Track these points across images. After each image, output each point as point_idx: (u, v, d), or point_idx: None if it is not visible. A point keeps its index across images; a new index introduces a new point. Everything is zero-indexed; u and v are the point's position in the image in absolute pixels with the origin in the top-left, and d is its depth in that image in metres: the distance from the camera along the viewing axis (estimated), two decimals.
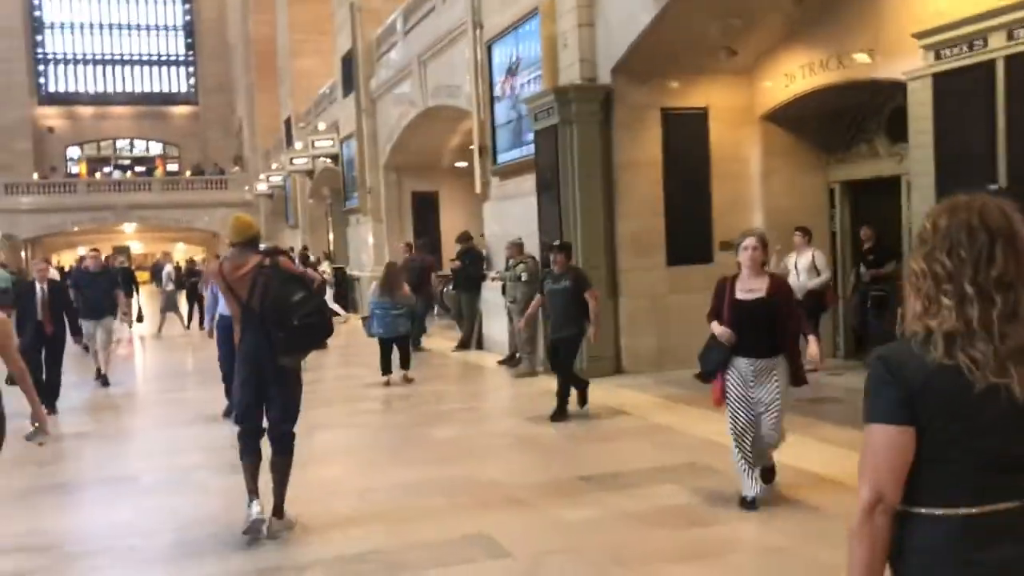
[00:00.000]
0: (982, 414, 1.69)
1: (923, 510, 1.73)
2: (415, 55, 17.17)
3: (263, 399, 5.29)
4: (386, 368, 10.78)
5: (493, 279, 11.84)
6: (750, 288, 5.38)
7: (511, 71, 12.10)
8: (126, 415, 10.22)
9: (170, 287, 19.46)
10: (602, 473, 6.29)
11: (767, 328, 5.29)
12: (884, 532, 1.74)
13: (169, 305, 19.18)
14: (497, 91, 12.64)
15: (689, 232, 10.38)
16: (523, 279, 10.58)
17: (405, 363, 10.97)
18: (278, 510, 5.35)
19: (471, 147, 19.20)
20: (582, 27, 10.32)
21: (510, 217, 12.35)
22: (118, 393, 11.37)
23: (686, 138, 10.45)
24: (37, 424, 4.73)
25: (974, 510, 1.69)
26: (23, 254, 39.61)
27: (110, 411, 10.23)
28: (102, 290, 11.64)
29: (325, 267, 21.92)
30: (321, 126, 25.56)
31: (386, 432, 8.32)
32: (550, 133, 10.29)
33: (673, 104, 10.45)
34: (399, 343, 10.87)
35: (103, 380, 11.72)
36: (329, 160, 25.19)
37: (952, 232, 1.75)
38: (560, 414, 8.07)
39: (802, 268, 9.76)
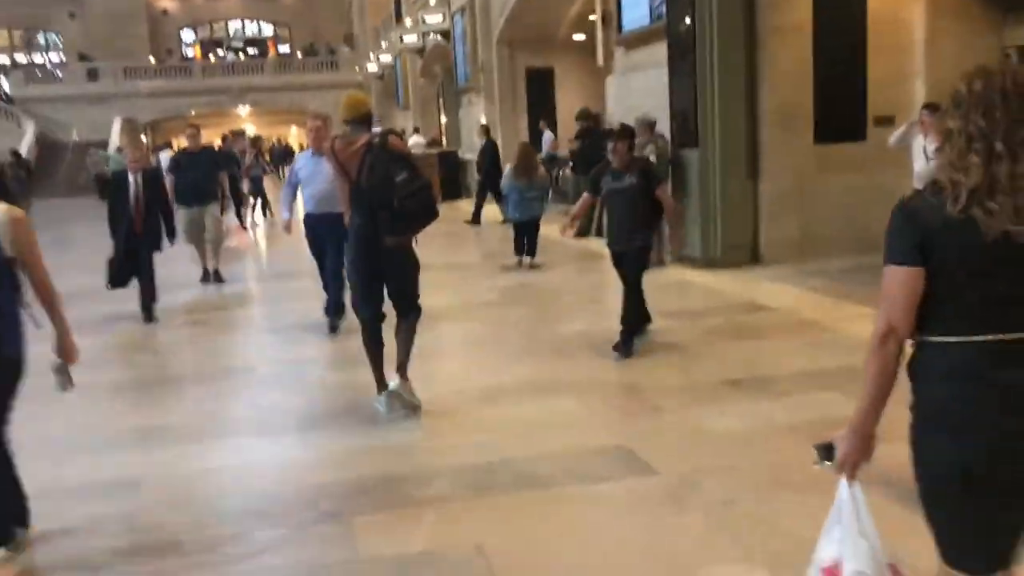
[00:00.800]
0: (991, 261, 1.90)
1: (941, 339, 1.98)
2: None
3: (379, 280, 5.27)
4: (520, 249, 10.79)
5: (651, 162, 11.00)
6: None
7: None
8: (239, 313, 9.53)
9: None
10: (750, 377, 5.63)
11: None
12: (894, 357, 2.02)
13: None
14: None
15: (841, 106, 9.29)
16: (652, 161, 9.74)
17: (532, 250, 10.81)
18: (402, 367, 5.35)
19: (592, 16, 18.19)
20: None
21: (637, 91, 11.40)
22: (233, 292, 10.36)
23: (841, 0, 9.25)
24: (61, 362, 3.66)
25: (989, 337, 1.92)
26: (144, 138, 40.47)
27: (220, 311, 9.42)
28: (203, 172, 10.30)
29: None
30: (431, 1, 24.60)
31: (508, 326, 7.80)
32: None
33: None
34: (533, 226, 10.81)
35: (215, 276, 10.65)
36: (440, 37, 24.36)
37: (988, 95, 1.90)
38: (626, 346, 6.34)
39: (933, 153, 8.21)
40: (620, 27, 11.87)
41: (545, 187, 11.43)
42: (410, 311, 5.38)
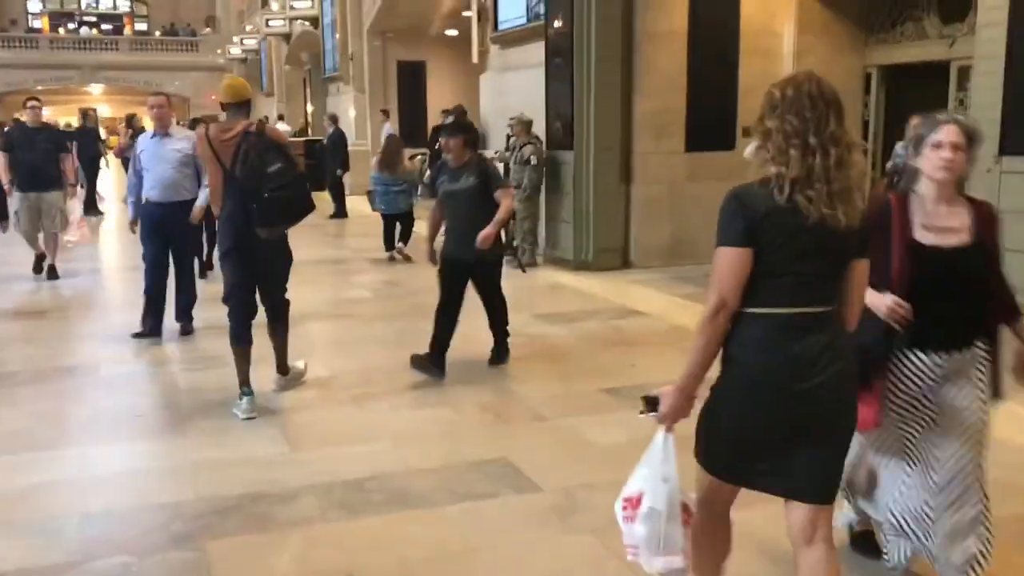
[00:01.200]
0: (808, 243, 2.22)
1: (757, 310, 2.29)
2: None
3: (251, 272, 5.13)
4: (389, 244, 10.84)
5: (491, 160, 10.83)
6: (944, 225, 2.81)
7: None
8: (79, 310, 8.46)
9: None
10: (629, 386, 5.52)
11: (974, 296, 2.85)
12: (721, 329, 2.31)
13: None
14: None
15: (712, 114, 9.41)
16: (531, 162, 9.61)
17: (405, 238, 10.90)
18: (282, 367, 5.53)
19: (466, 13, 17.96)
20: None
21: (512, 91, 11.27)
22: (71, 287, 9.24)
23: (716, 7, 9.36)
24: None
25: (793, 310, 2.26)
26: None
27: (58, 307, 8.44)
28: (42, 152, 9.02)
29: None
30: None
31: (379, 325, 7.50)
32: None
33: None
34: (401, 219, 10.88)
35: (49, 271, 9.43)
36: (308, 23, 23.64)
37: (799, 98, 2.22)
38: (499, 356, 6.10)
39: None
40: (496, 25, 11.71)
41: (412, 180, 11.29)
42: (281, 306, 5.38)
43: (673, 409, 2.42)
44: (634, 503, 2.54)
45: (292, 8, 23.50)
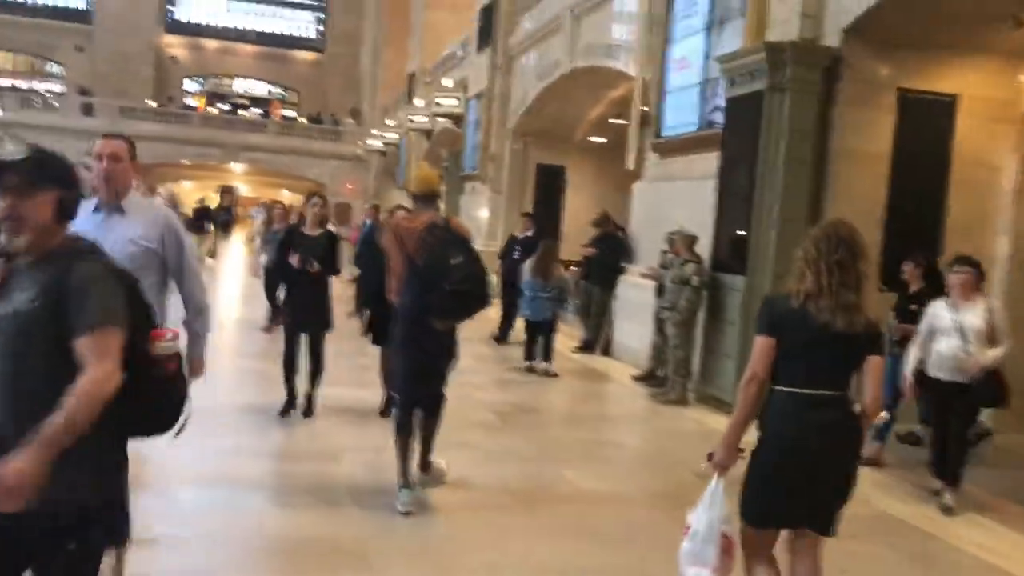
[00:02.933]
0: (816, 340, 3.13)
1: (781, 388, 3.20)
2: (567, 7, 15.09)
3: (423, 364, 5.13)
4: (529, 354, 10.05)
5: (644, 275, 9.70)
6: None
7: (695, 25, 9.90)
8: None
9: None
10: None
11: None
12: (754, 395, 3.22)
13: None
14: (675, 52, 10.43)
15: (912, 250, 8.02)
16: (692, 283, 8.41)
17: (547, 354, 9.95)
18: (425, 465, 5.42)
19: (612, 119, 17.20)
20: None
21: (670, 203, 10.19)
22: None
23: (926, 130, 8.09)
24: None
25: (808, 391, 3.16)
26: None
27: None
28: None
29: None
30: (447, 83, 23.75)
31: (508, 464, 6.27)
32: (750, 102, 8.07)
33: (915, 85, 8.10)
34: (545, 329, 10.02)
35: None
36: (451, 121, 23.43)
37: (820, 236, 3.24)
38: None
39: (969, 327, 5.68)
40: (659, 131, 10.74)
41: (564, 288, 10.46)
42: (439, 400, 5.31)
43: (722, 459, 3.23)
44: (686, 529, 3.29)
45: (437, 105, 23.36)
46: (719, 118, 9.09)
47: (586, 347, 11.39)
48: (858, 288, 3.14)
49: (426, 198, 5.20)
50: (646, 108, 11.22)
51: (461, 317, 5.12)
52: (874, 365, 3.20)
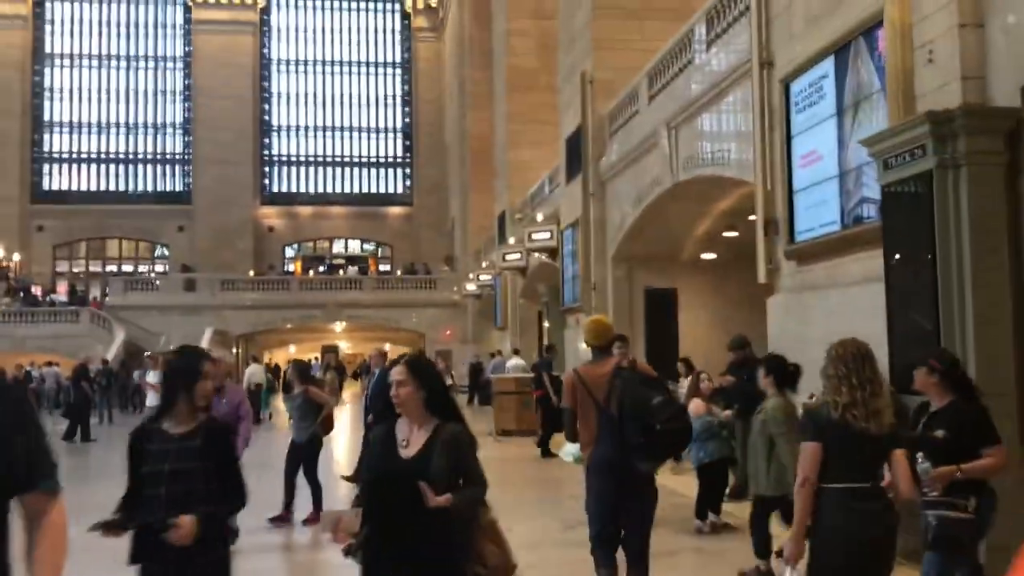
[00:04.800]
0: (854, 443, 3.81)
1: (830, 485, 3.82)
2: (663, 122, 14.11)
3: (619, 511, 5.16)
4: (703, 511, 8.74)
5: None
6: None
7: (821, 112, 8.65)
8: None
9: None
10: None
11: None
12: (809, 497, 3.84)
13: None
14: (799, 146, 9.17)
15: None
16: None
17: (718, 503, 8.86)
18: None
19: (724, 233, 15.92)
20: (965, 29, 6.76)
21: (817, 316, 8.71)
22: None
23: None
24: None
25: (852, 485, 3.81)
26: (235, 350, 39.45)
27: None
28: None
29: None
30: (539, 217, 23.02)
31: None
32: (914, 185, 6.69)
33: None
34: (718, 473, 8.87)
35: None
36: (545, 255, 22.57)
37: (843, 356, 3.91)
38: None
39: None
40: (791, 237, 9.38)
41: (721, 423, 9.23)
42: (645, 550, 5.20)
43: (792, 553, 3.91)
44: None
45: (530, 240, 22.56)
46: (869, 211, 7.71)
47: (739, 494, 9.76)
48: (882, 394, 3.90)
49: (601, 348, 5.32)
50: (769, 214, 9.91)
51: (670, 455, 5.44)
52: (899, 456, 3.95)
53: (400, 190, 54.10)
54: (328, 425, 9.52)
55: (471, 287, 35.14)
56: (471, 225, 38.52)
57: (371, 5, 54.47)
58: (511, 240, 26.71)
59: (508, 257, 26.17)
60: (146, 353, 15.65)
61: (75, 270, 49.93)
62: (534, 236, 22.46)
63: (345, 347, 48.00)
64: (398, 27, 54.70)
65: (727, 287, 16.92)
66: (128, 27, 51.99)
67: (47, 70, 51.12)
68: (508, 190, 29.51)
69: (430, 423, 3.45)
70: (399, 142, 54.53)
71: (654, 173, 14.88)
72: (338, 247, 53.74)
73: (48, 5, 51.37)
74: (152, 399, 17.00)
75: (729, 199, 14.25)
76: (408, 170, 54.13)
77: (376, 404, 10.19)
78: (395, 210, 53.48)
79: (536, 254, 23.19)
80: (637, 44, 17.72)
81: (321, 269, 48.40)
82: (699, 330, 17.10)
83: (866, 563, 3.80)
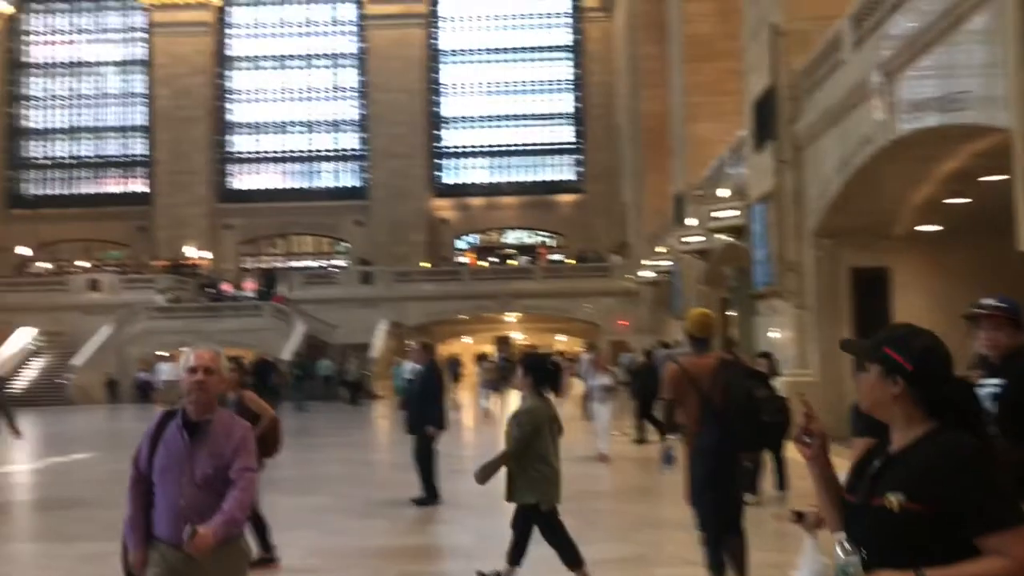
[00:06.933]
0: None
1: None
2: (875, 67, 11.97)
3: (727, 494, 5.34)
4: None
5: None
6: None
7: None
8: None
9: None
10: None
11: None
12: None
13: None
14: None
15: None
16: None
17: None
18: None
19: (947, 200, 13.56)
20: None
21: None
22: None
23: None
24: None
25: None
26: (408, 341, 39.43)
27: None
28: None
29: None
30: (722, 193, 21.00)
31: None
32: None
33: None
34: None
35: None
36: (731, 235, 20.53)
37: None
38: None
39: None
40: None
41: None
42: (740, 519, 5.42)
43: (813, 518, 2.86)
44: None
45: (713, 219, 20.60)
46: None
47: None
48: None
49: (704, 340, 5.43)
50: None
51: (772, 447, 5.89)
52: None
53: (571, 177, 52.84)
54: (270, 444, 6.44)
55: (646, 274, 33.39)
56: (645, 209, 36.73)
57: None
58: (690, 221, 24.79)
59: (687, 240, 24.29)
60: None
61: (260, 266, 51.77)
62: (717, 215, 20.49)
63: (520, 337, 47.29)
64: (567, 9, 53.39)
65: (951, 263, 14.56)
66: (305, 27, 53.25)
67: (230, 73, 53.16)
68: (685, 168, 27.55)
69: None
70: (569, 128, 53.27)
71: (863, 131, 12.75)
72: (510, 237, 53.14)
73: (230, 10, 53.40)
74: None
75: (957, 158, 11.99)
76: (579, 156, 52.79)
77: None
78: (566, 198, 52.29)
79: (719, 235, 21.21)
80: None
81: (493, 259, 47.82)
82: (917, 314, 14.72)
83: None
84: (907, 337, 2.31)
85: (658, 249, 31.37)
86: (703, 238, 23.17)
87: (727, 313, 24.12)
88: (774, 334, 17.67)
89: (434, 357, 11.29)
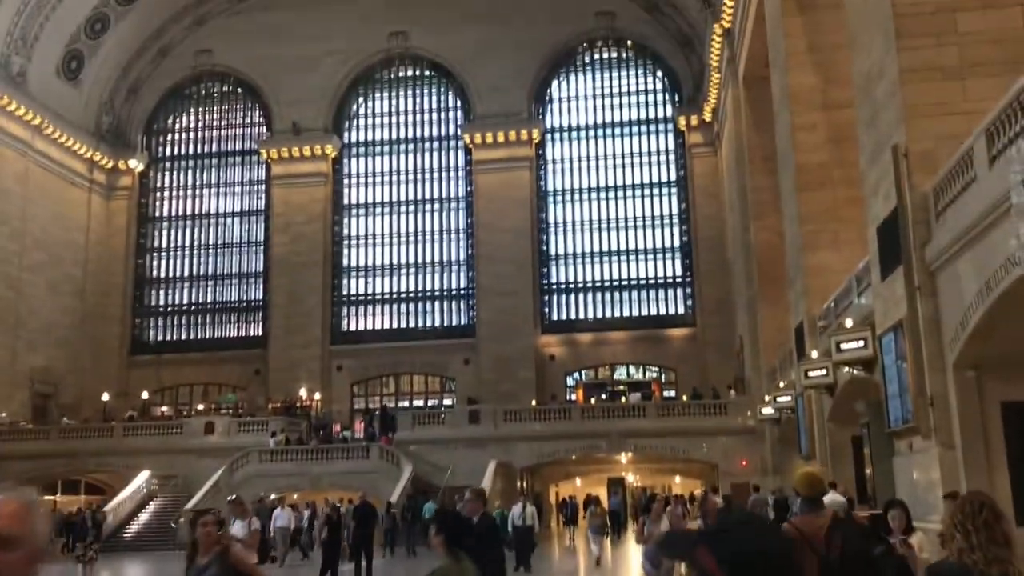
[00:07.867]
0: None
1: None
2: (1016, 183, 10.99)
3: None
4: None
5: None
6: None
7: None
8: None
9: None
10: None
11: None
12: None
13: None
14: None
15: None
16: None
17: None
18: None
19: None
20: None
21: None
22: None
23: None
24: None
25: None
26: (519, 483, 38.24)
27: None
28: None
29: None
30: (848, 323, 19.78)
31: None
32: None
33: None
34: None
35: None
36: (859, 368, 19.19)
37: (960, 505, 3.85)
38: None
39: None
40: None
41: None
42: None
43: None
44: None
45: (839, 351, 19.33)
46: None
47: None
48: (1008, 544, 3.70)
49: (814, 499, 5.43)
50: None
51: None
52: None
53: (681, 311, 51.76)
54: None
55: (767, 410, 31.71)
56: (762, 342, 35.30)
57: (643, 128, 53.93)
58: (813, 354, 23.46)
59: (811, 373, 22.89)
60: (229, 497, 13.96)
61: (370, 406, 51.83)
62: (843, 346, 19.23)
63: (632, 480, 45.39)
64: (671, 146, 53.66)
65: None
66: (416, 174, 55.02)
67: (344, 219, 55.03)
68: (805, 299, 26.32)
69: None
70: (678, 261, 52.59)
71: (1008, 251, 11.65)
72: (620, 372, 51.96)
73: (346, 161, 55.76)
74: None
75: None
76: (689, 290, 51.83)
77: None
78: (677, 332, 51.03)
79: (846, 368, 19.87)
80: (959, 106, 14.81)
81: (603, 396, 46.57)
82: None
83: None
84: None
85: (780, 384, 29.85)
86: (828, 372, 21.85)
87: (863, 451, 22.37)
88: (925, 476, 16.07)
89: (485, 507, 10.34)
